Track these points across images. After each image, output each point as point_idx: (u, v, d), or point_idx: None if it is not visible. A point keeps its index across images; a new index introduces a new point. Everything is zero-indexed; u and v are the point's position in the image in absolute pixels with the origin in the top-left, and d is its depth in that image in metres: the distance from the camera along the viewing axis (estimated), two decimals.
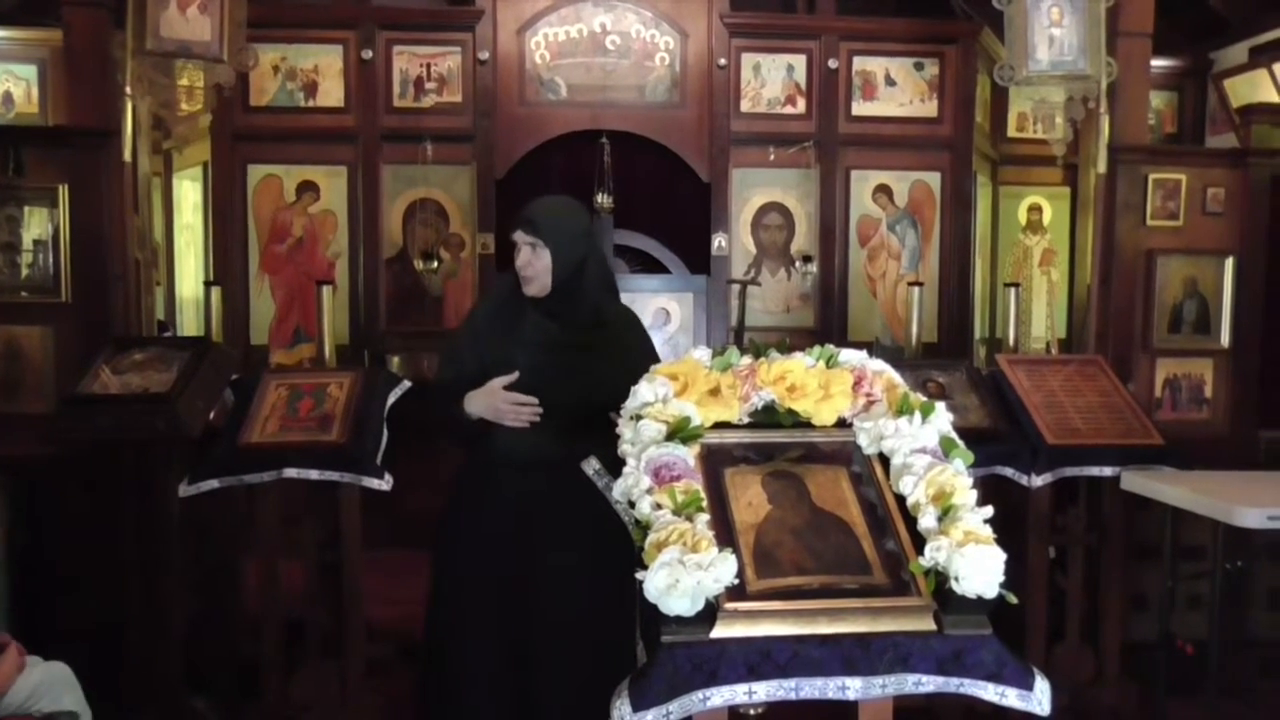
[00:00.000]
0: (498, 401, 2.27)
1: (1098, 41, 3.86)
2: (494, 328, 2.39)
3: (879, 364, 1.92)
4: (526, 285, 2.34)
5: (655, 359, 2.42)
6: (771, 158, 5.90)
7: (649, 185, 6.05)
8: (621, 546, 2.35)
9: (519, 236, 2.34)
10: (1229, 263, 4.09)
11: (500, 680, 2.33)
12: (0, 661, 2.40)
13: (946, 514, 1.64)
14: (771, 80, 5.92)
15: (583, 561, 2.30)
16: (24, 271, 3.71)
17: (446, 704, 2.38)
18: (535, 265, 2.32)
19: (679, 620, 1.52)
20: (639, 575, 1.55)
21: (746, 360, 1.88)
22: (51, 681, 2.53)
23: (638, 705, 1.48)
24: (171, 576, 3.16)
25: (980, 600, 1.56)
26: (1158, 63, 5.42)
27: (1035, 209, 6.30)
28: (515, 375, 2.27)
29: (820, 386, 1.85)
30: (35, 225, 3.70)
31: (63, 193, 3.69)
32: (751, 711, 1.66)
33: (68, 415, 3.18)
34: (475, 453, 2.41)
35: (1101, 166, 3.95)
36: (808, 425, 1.86)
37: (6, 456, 3.38)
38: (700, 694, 1.49)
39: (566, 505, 2.29)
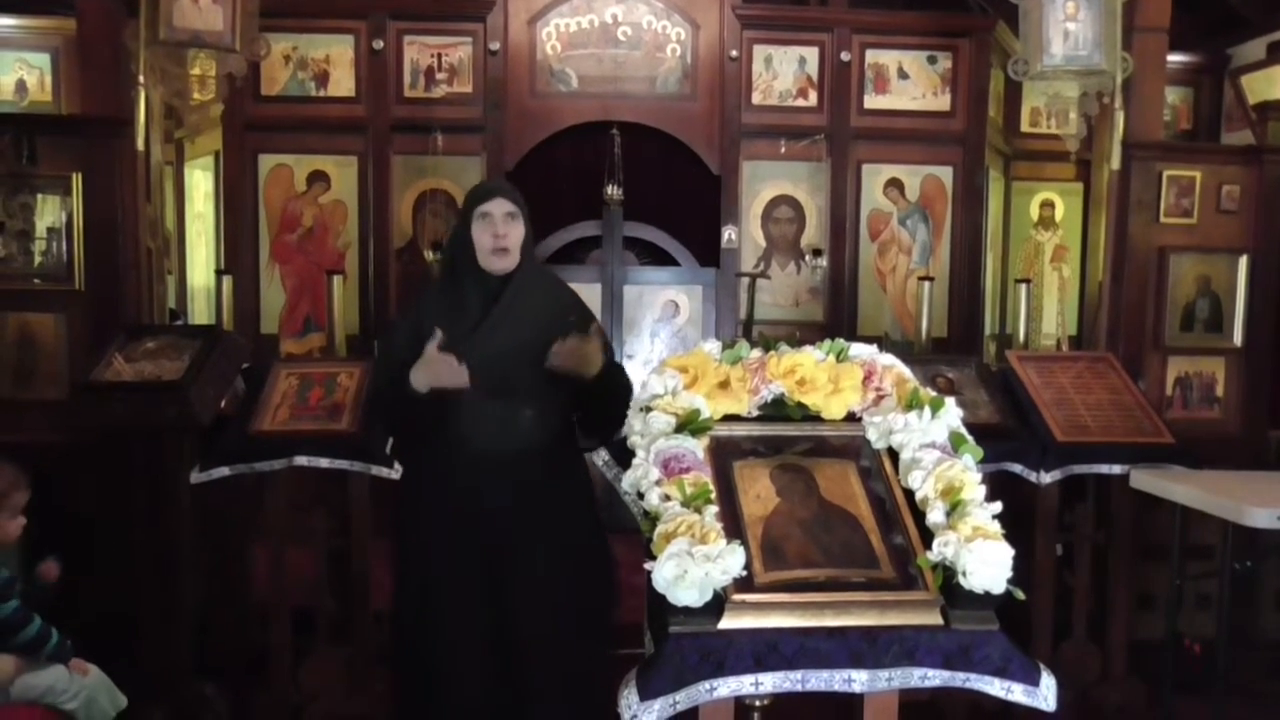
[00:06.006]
0: (434, 363, 2.13)
1: (1113, 36, 3.84)
2: (443, 323, 2.21)
3: (889, 359, 1.92)
4: (501, 258, 2.25)
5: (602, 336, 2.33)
6: (782, 150, 5.87)
7: (659, 177, 6.03)
8: (593, 540, 2.36)
9: (496, 206, 2.24)
10: (1243, 261, 4.07)
11: (486, 672, 2.26)
12: None
13: (955, 509, 1.64)
14: (783, 73, 5.89)
15: (554, 561, 2.25)
16: (37, 259, 3.73)
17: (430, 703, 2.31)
18: (513, 236, 2.26)
19: (687, 611, 1.52)
20: (647, 566, 1.55)
21: (756, 353, 1.88)
22: (76, 683, 2.55)
23: (645, 695, 1.49)
24: (182, 564, 3.18)
25: (987, 596, 1.56)
26: (1173, 58, 5.38)
27: (1047, 205, 6.26)
28: (440, 335, 2.15)
29: (830, 380, 1.85)
30: (48, 213, 3.72)
31: (76, 181, 3.71)
32: (758, 703, 1.67)
33: (80, 402, 3.20)
34: (437, 449, 2.29)
35: (1115, 163, 3.93)
36: (817, 419, 1.86)
37: (19, 443, 3.40)
38: (707, 684, 1.50)
39: (534, 504, 2.24)
